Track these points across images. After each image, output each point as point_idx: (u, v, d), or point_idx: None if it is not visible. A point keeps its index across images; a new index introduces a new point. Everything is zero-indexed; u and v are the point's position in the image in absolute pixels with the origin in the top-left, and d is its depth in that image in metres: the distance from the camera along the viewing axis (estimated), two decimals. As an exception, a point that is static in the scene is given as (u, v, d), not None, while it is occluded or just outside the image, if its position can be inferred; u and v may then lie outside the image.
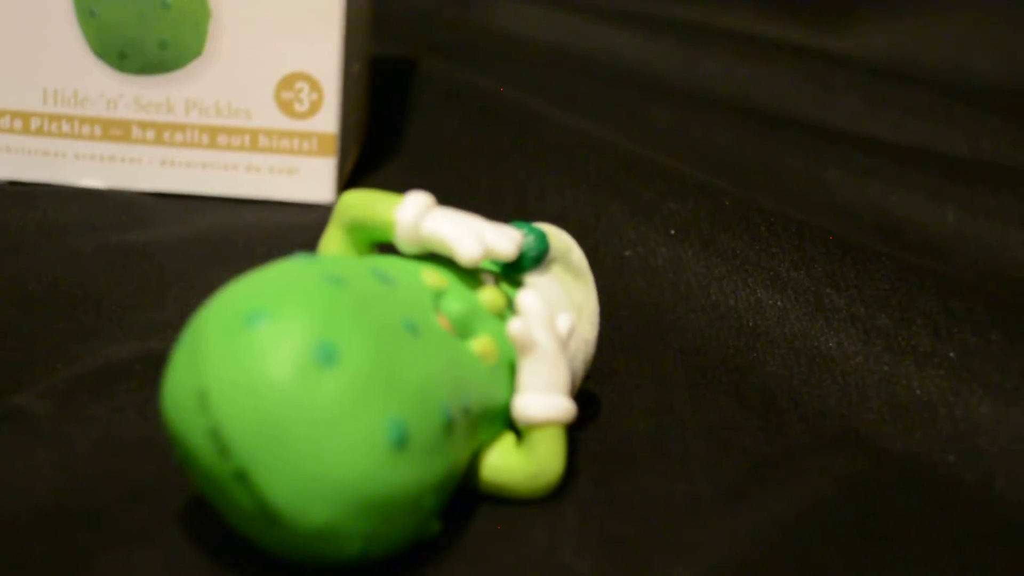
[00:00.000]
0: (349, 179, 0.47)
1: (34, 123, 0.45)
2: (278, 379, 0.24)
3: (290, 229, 0.43)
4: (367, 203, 0.30)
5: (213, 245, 0.41)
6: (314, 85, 0.44)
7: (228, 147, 0.45)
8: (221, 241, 0.42)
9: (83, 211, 0.43)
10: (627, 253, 0.42)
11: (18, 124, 0.45)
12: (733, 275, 0.39)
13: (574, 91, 0.58)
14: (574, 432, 0.31)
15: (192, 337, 0.25)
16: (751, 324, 0.37)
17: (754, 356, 0.36)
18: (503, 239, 0.29)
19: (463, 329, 0.28)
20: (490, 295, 0.29)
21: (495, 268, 0.31)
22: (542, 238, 0.31)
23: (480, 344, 0.28)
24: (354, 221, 0.30)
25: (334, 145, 0.45)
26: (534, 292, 0.29)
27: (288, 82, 0.44)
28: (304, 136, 0.45)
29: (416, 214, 0.29)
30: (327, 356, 0.24)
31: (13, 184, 0.45)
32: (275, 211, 0.45)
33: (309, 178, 0.45)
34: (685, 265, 0.40)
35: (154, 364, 0.33)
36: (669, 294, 0.40)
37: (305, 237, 0.42)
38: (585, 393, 0.33)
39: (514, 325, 0.28)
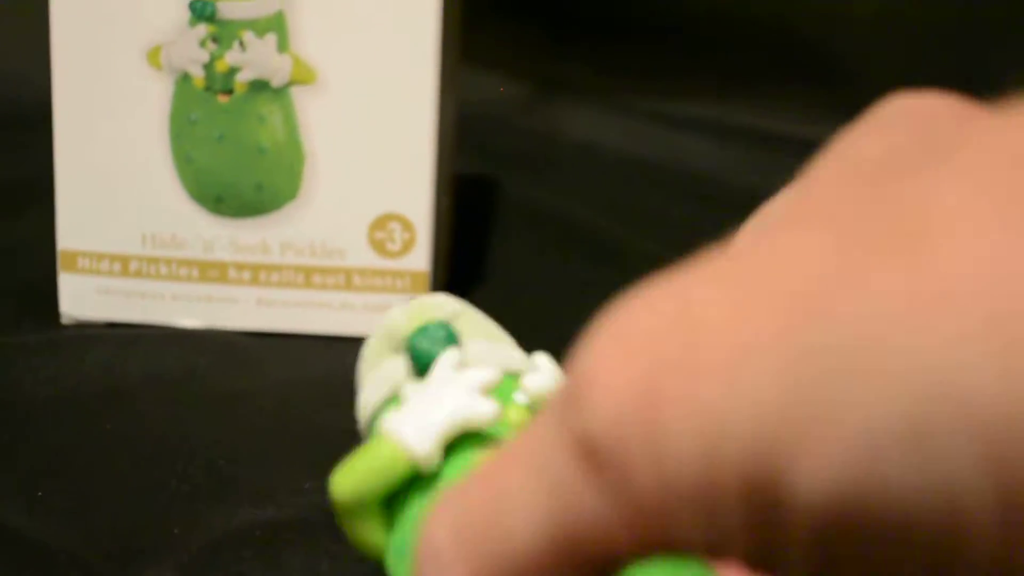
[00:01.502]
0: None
1: (133, 266, 0.46)
2: None
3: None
4: (369, 483, 0.27)
5: (312, 390, 0.42)
6: (406, 225, 0.45)
7: (323, 286, 0.45)
8: (320, 385, 0.42)
9: (183, 354, 0.44)
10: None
11: (117, 267, 0.46)
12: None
13: (645, 206, 0.58)
14: None
15: None
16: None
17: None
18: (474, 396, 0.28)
19: None
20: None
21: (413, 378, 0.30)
22: (428, 334, 0.30)
23: None
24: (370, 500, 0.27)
25: (426, 282, 0.45)
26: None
27: (381, 223, 0.45)
28: (397, 275, 0.45)
29: (420, 444, 0.27)
30: None
31: (112, 326, 0.46)
32: (369, 349, 0.45)
33: (402, 315, 0.46)
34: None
35: (272, 531, 0.33)
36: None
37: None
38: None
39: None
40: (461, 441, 0.27)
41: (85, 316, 0.46)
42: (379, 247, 0.45)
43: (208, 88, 0.44)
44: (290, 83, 0.44)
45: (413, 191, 0.45)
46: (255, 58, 0.44)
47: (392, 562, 0.27)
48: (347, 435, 0.39)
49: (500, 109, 0.71)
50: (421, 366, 0.30)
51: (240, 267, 0.45)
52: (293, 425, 0.40)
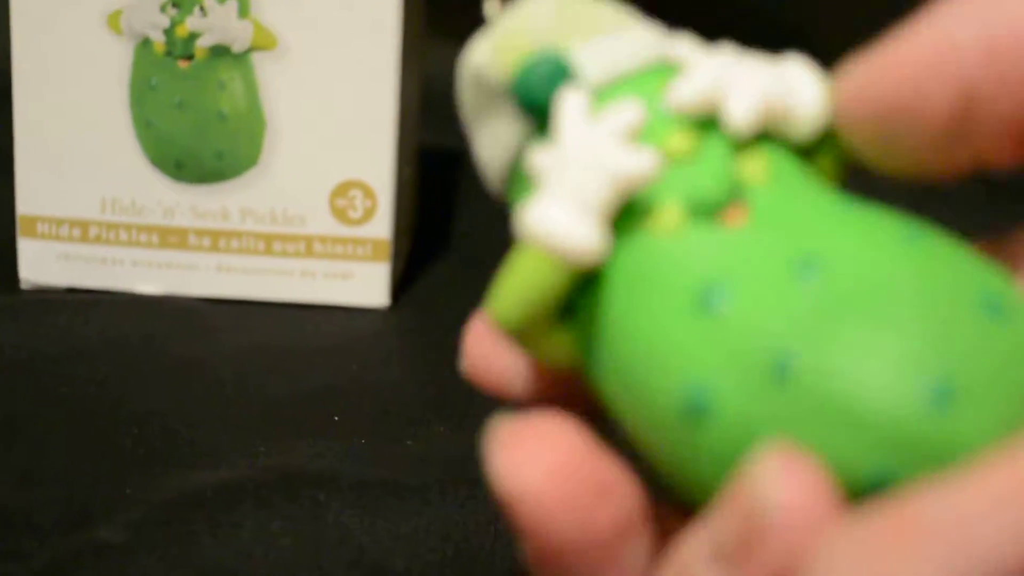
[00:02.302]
0: (401, 279, 0.48)
1: (92, 231, 0.45)
2: None
3: (346, 337, 0.44)
4: (529, 306, 0.20)
5: (271, 357, 0.42)
6: (368, 192, 0.45)
7: (283, 253, 0.45)
8: (278, 353, 0.42)
9: (142, 320, 0.44)
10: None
11: (76, 232, 0.45)
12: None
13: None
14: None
15: None
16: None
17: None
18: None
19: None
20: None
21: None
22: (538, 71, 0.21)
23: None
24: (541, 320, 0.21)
25: (388, 250, 0.45)
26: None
27: (342, 190, 0.45)
28: (358, 242, 0.45)
29: (576, 239, 0.19)
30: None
31: (71, 291, 0.46)
32: (330, 317, 0.45)
33: (363, 283, 0.45)
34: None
35: (226, 493, 0.33)
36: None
37: (361, 346, 0.43)
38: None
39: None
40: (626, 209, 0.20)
41: (45, 282, 0.46)
42: (340, 214, 0.45)
43: (168, 53, 0.44)
44: (251, 49, 0.44)
45: (375, 158, 0.45)
46: (216, 23, 0.44)
47: (599, 376, 0.20)
48: (303, 401, 0.39)
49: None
50: (537, 117, 0.21)
51: (200, 233, 0.45)
52: (250, 391, 0.40)
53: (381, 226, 0.45)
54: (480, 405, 0.39)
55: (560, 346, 0.21)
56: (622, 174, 0.19)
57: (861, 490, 0.18)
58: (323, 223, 0.45)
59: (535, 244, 0.19)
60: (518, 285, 0.20)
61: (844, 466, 0.18)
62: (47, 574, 0.30)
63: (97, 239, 0.46)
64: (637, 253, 0.20)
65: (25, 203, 0.45)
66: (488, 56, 0.22)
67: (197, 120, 0.44)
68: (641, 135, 0.20)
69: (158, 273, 0.46)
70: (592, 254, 0.19)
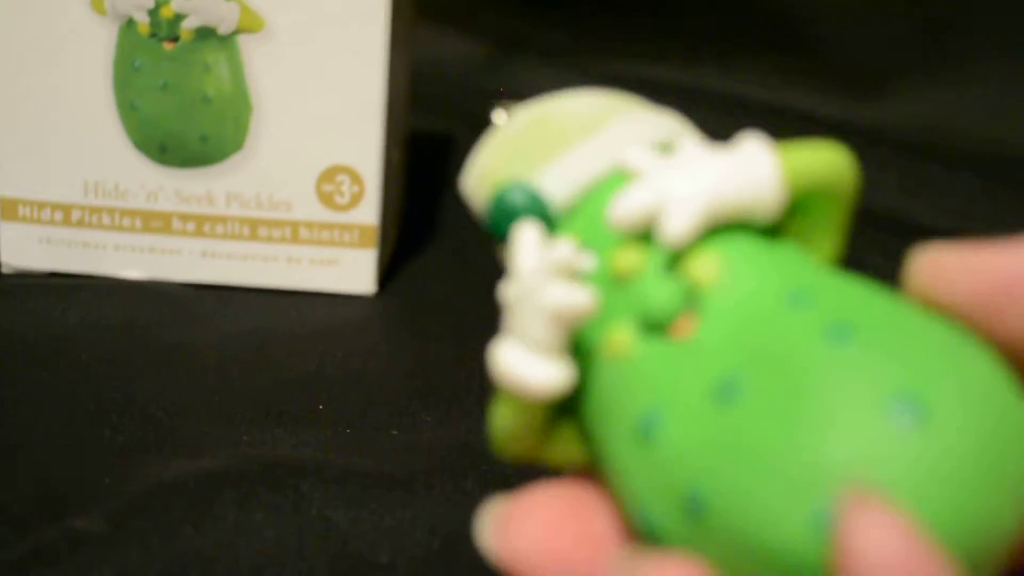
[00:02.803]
0: (388, 266, 0.47)
1: (75, 215, 0.45)
2: None
3: (332, 324, 0.43)
4: (509, 431, 0.21)
5: (255, 343, 0.41)
6: (355, 178, 0.44)
7: (269, 239, 0.45)
8: (263, 339, 0.42)
9: (124, 305, 0.43)
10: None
11: (59, 216, 0.45)
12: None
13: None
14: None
15: None
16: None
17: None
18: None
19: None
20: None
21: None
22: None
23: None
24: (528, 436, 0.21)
25: (375, 236, 0.45)
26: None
27: (329, 175, 0.44)
28: (345, 228, 0.45)
29: (535, 382, 0.20)
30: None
31: (53, 275, 0.45)
32: (315, 303, 0.44)
33: (350, 269, 0.45)
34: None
35: (208, 483, 0.33)
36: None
37: (347, 333, 0.42)
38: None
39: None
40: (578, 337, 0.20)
41: (26, 265, 0.45)
42: (327, 200, 0.44)
43: (153, 35, 0.43)
44: (237, 31, 0.43)
45: (362, 143, 0.44)
46: (201, 5, 0.43)
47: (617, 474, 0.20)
48: (287, 389, 0.39)
49: (458, 68, 0.71)
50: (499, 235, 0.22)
51: (184, 218, 0.45)
52: (234, 379, 0.39)
53: (368, 212, 0.44)
54: (467, 394, 0.39)
55: (568, 446, 0.21)
56: (560, 312, 0.19)
57: None
58: (309, 208, 0.44)
59: (504, 386, 0.20)
60: (503, 422, 0.20)
61: None
62: (23, 565, 0.30)
63: (79, 223, 0.45)
64: (595, 376, 0.20)
65: (6, 185, 0.44)
66: (471, 186, 0.23)
67: (182, 103, 0.44)
68: (592, 256, 0.20)
69: (141, 258, 0.45)
70: (554, 388, 0.20)
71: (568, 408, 0.21)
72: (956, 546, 0.17)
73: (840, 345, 0.18)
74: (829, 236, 0.21)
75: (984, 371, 0.18)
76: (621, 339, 0.20)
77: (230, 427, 0.36)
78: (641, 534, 0.19)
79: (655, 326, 0.19)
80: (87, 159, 0.44)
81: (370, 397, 0.38)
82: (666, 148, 0.21)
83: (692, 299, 0.19)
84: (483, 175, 0.22)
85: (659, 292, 0.20)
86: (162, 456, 0.35)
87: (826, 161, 0.20)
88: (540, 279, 0.19)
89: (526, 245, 0.20)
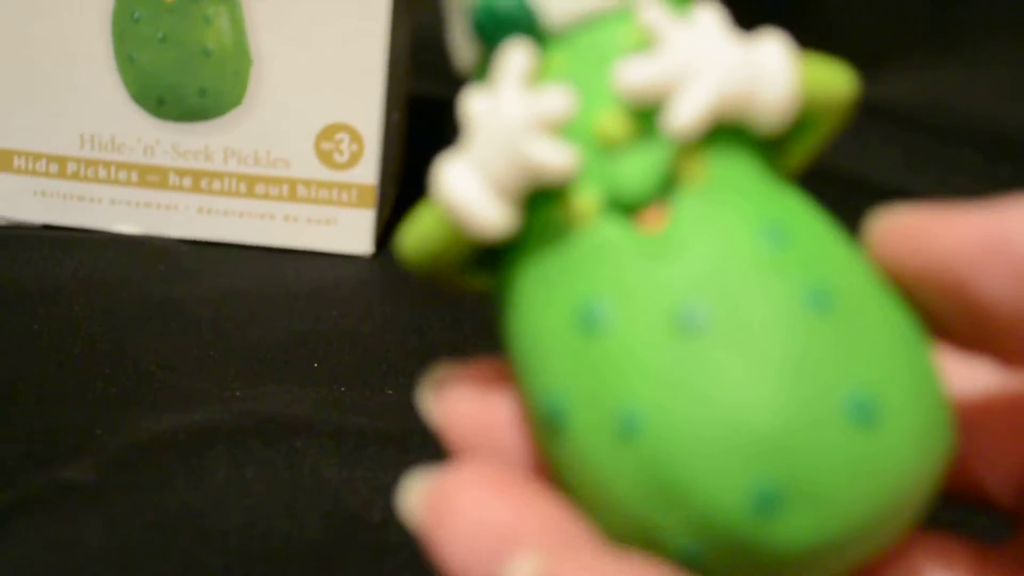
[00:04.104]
0: (386, 227, 0.47)
1: (70, 167, 0.44)
2: None
3: (328, 283, 0.42)
4: (427, 255, 0.19)
5: (250, 301, 0.41)
6: (355, 136, 0.44)
7: (266, 196, 0.44)
8: (258, 297, 0.41)
9: (119, 259, 0.43)
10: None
11: (54, 168, 0.44)
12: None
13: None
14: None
15: None
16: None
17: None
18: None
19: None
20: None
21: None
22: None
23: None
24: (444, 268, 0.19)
25: (373, 197, 0.44)
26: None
27: (328, 133, 0.44)
28: (343, 187, 0.44)
29: (476, 211, 0.18)
30: None
31: (48, 228, 0.45)
32: (312, 262, 0.44)
33: (347, 229, 0.44)
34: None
35: (199, 437, 0.32)
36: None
37: (343, 292, 0.42)
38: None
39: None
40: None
41: (20, 217, 0.45)
42: (326, 158, 0.44)
43: (153, -14, 0.43)
44: (238, -16, 0.43)
45: (363, 101, 0.43)
46: (203, -44, 0.42)
47: (504, 335, 0.19)
48: (282, 346, 0.38)
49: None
50: (489, 53, 0.19)
51: (181, 173, 0.44)
52: (228, 335, 0.39)
53: (367, 171, 0.44)
54: (463, 355, 0.38)
55: (474, 286, 0.20)
56: (532, 167, 0.18)
57: (675, 559, 0.17)
58: (308, 166, 0.44)
59: (440, 204, 0.18)
60: (422, 235, 0.19)
61: (658, 533, 0.17)
62: (10, 513, 0.29)
63: (75, 175, 0.44)
64: (545, 236, 0.18)
65: (1, 136, 0.44)
66: None
67: (181, 56, 0.43)
68: (578, 108, 0.18)
69: (136, 212, 0.45)
70: (491, 232, 0.18)
71: (495, 255, 0.19)
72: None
73: (814, 315, 0.17)
74: (807, 150, 0.19)
75: (932, 372, 0.18)
76: (585, 207, 0.18)
77: (223, 383, 0.36)
78: (541, 423, 0.18)
79: (624, 206, 0.18)
80: (84, 111, 0.44)
81: (365, 356, 0.38)
82: (682, 4, 0.19)
83: (668, 191, 0.18)
84: None
85: (637, 171, 0.18)
86: (154, 409, 0.34)
87: (840, 81, 0.19)
88: (523, 126, 0.18)
89: (513, 76, 0.18)
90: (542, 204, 0.18)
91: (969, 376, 0.19)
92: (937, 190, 0.53)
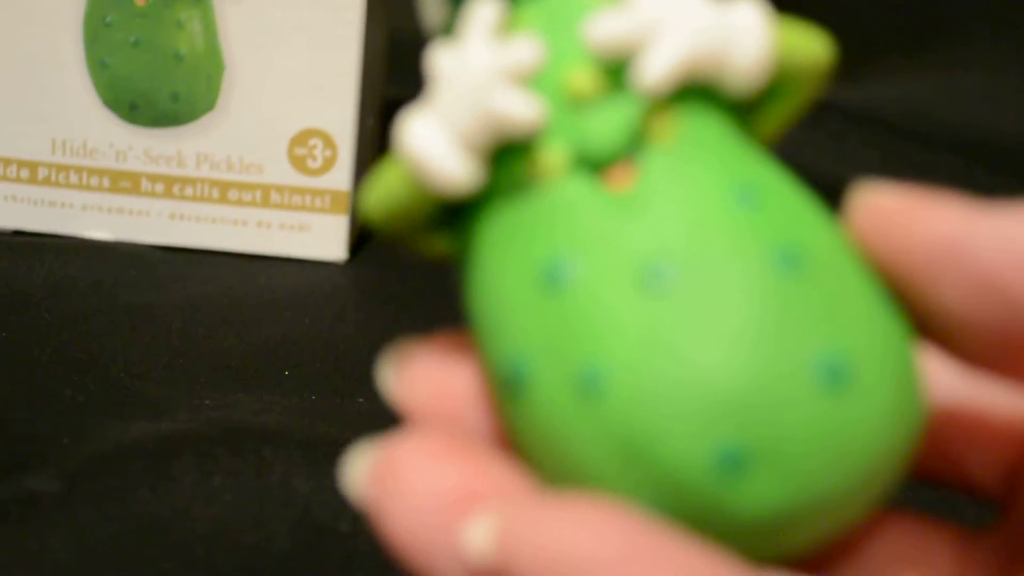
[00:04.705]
0: (360, 234, 0.46)
1: (41, 173, 0.44)
2: None
3: (301, 290, 0.42)
4: (391, 210, 0.18)
5: (222, 307, 0.41)
6: (328, 142, 0.43)
7: (239, 202, 0.44)
8: (230, 304, 0.41)
9: (90, 266, 0.42)
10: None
11: (25, 173, 0.44)
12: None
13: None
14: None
15: None
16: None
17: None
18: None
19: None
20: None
21: None
22: None
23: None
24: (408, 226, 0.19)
25: (347, 203, 0.44)
26: None
27: (302, 138, 0.43)
28: (317, 193, 0.44)
29: (439, 164, 0.18)
30: None
31: (18, 234, 0.44)
32: (284, 269, 0.44)
33: (321, 235, 0.44)
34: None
35: (167, 445, 0.32)
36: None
37: (316, 299, 0.42)
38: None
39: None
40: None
41: (-10, 223, 0.44)
42: (299, 164, 0.44)
43: (125, -10, 0.42)
44: (211, -12, 0.42)
45: (337, 107, 0.43)
46: (175, -40, 0.42)
47: (465, 296, 0.19)
48: (253, 354, 0.38)
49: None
50: (453, 12, 0.19)
51: (153, 179, 0.44)
52: (198, 342, 0.38)
53: (341, 177, 0.44)
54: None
55: (437, 249, 0.19)
56: (498, 118, 0.17)
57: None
58: (281, 172, 0.44)
59: (404, 158, 0.18)
60: (386, 191, 0.18)
61: (622, 495, 0.17)
62: (-27, 524, 0.29)
63: (46, 181, 0.44)
64: (510, 193, 0.18)
65: (-28, 141, 0.44)
66: None
67: (153, 60, 0.43)
68: (547, 63, 0.18)
69: (109, 218, 0.44)
70: (455, 186, 0.18)
71: (460, 214, 0.19)
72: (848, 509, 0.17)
73: (785, 276, 0.17)
74: (780, 117, 0.19)
75: (905, 345, 0.17)
76: (552, 162, 0.18)
77: (192, 390, 0.35)
78: (501, 386, 0.17)
79: (591, 163, 0.17)
80: (55, 116, 0.43)
81: (337, 364, 0.38)
82: None
83: (637, 149, 0.17)
84: None
85: (606, 127, 0.17)
86: (122, 417, 0.34)
87: (816, 48, 0.18)
88: (490, 77, 0.17)
89: (480, 28, 0.18)
90: (508, 160, 0.18)
91: (943, 369, 0.19)
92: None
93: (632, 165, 0.17)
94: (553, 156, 0.18)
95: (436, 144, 0.17)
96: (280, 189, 0.44)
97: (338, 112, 0.43)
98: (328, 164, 0.44)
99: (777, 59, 0.18)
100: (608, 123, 0.17)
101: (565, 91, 0.18)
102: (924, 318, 0.17)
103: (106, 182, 0.44)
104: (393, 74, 0.51)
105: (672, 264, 0.17)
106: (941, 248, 0.17)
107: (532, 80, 0.18)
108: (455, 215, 0.19)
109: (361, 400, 0.36)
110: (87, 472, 0.31)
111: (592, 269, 0.17)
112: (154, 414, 0.34)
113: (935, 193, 0.17)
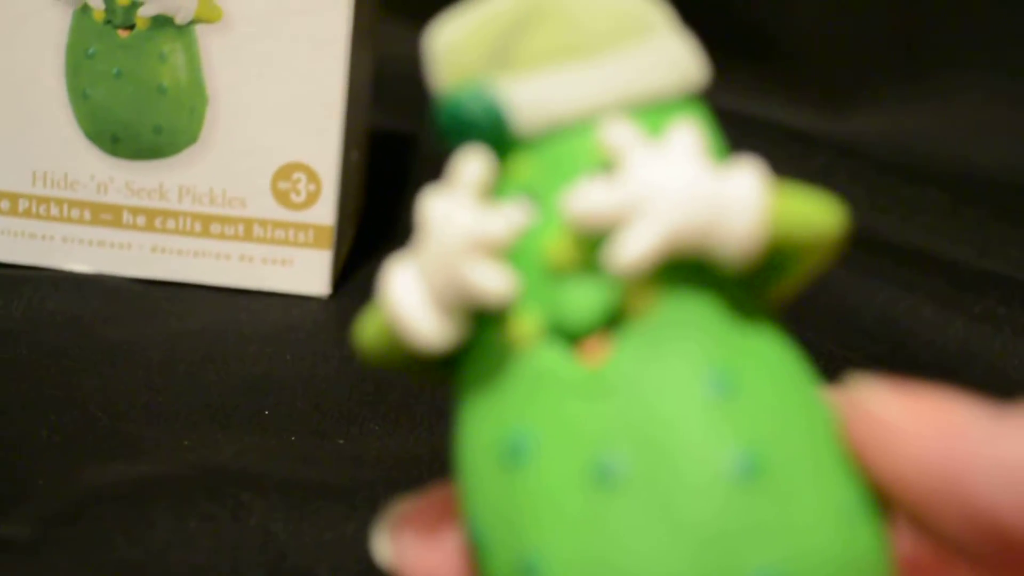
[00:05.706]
0: (344, 268, 0.46)
1: (22, 205, 0.43)
2: None
3: (283, 326, 0.42)
4: (378, 354, 0.19)
5: (203, 343, 0.40)
6: (312, 176, 0.43)
7: (221, 236, 0.43)
8: (211, 339, 0.40)
9: (69, 299, 0.42)
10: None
11: (5, 205, 0.43)
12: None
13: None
14: None
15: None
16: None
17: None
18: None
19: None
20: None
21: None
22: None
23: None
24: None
25: (331, 237, 0.44)
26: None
27: (285, 172, 0.43)
28: (300, 227, 0.43)
29: (414, 322, 0.18)
30: None
31: (-2, 266, 0.44)
32: (267, 303, 0.43)
33: (304, 270, 0.44)
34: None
35: (144, 488, 0.31)
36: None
37: (298, 335, 0.41)
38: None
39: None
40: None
41: (-31, 256, 0.44)
42: (282, 198, 0.43)
43: (108, 22, 0.42)
44: (194, 20, 0.42)
45: (320, 140, 0.43)
46: (159, -8, 0.42)
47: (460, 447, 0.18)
48: (234, 392, 0.37)
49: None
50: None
51: (135, 211, 0.43)
52: (179, 379, 0.38)
53: (325, 211, 0.43)
54: (417, 404, 0.38)
55: (434, 381, 0.19)
56: (469, 290, 0.17)
57: None
58: (264, 206, 0.43)
59: (384, 312, 0.18)
60: (374, 334, 0.18)
61: None
62: (-56, 571, 0.28)
63: (27, 213, 0.44)
64: (486, 355, 0.18)
65: (-48, 172, 0.43)
66: (437, 60, 0.19)
67: (136, 93, 0.42)
68: (530, 228, 0.18)
69: (89, 251, 0.44)
70: (428, 345, 0.17)
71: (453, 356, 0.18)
72: None
73: (739, 486, 0.16)
74: (786, 287, 0.18)
75: (870, 548, 0.17)
76: (526, 331, 0.17)
77: (171, 430, 0.35)
78: (472, 551, 0.18)
79: (565, 334, 0.17)
80: (36, 148, 0.43)
81: (318, 403, 0.37)
82: (661, 120, 0.18)
83: (615, 323, 0.17)
84: (450, 54, 0.19)
85: (582, 301, 0.17)
86: (99, 459, 0.34)
87: (822, 217, 0.17)
88: (465, 246, 0.17)
89: (464, 188, 0.17)
90: (487, 322, 0.18)
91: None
92: (902, 229, 0.52)
93: (608, 336, 0.17)
94: (527, 325, 0.17)
95: (412, 302, 0.17)
96: (263, 223, 0.43)
97: (322, 146, 0.43)
98: (312, 199, 0.43)
99: (774, 231, 0.17)
100: (585, 298, 0.17)
101: (544, 260, 0.17)
102: (918, 528, 0.17)
103: (87, 214, 0.43)
104: (379, 102, 0.51)
105: (625, 459, 0.16)
106: (939, 481, 0.16)
107: (511, 247, 0.17)
108: (450, 357, 0.18)
109: (341, 441, 0.36)
110: (61, 517, 0.30)
111: (549, 450, 0.17)
112: (132, 455, 0.34)
113: (932, 394, 0.17)
